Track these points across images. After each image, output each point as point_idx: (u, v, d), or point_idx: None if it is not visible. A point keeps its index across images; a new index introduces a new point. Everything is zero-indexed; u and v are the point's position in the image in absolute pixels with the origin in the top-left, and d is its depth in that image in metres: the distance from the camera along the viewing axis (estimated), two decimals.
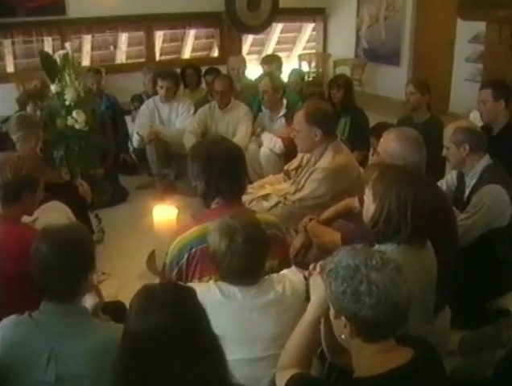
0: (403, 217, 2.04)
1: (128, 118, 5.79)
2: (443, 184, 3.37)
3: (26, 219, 3.20)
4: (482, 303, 3.03)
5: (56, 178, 4.04)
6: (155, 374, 1.41)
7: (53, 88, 3.88)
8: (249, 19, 8.09)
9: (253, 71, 7.29)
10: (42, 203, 3.47)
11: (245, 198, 3.33)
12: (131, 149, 5.62)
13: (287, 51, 10.62)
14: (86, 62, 8.64)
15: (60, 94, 3.91)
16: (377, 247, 2.10)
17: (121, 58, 9.16)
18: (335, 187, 3.10)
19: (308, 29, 10.07)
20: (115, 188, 4.90)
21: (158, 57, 9.34)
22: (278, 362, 1.79)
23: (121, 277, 3.62)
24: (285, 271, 2.17)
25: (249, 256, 1.94)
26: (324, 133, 3.11)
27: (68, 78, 3.91)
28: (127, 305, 3.16)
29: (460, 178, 3.28)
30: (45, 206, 3.40)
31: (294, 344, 1.77)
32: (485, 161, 3.11)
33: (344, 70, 8.64)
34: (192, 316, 1.48)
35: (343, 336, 1.56)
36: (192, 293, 1.54)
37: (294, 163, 3.52)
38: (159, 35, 9.31)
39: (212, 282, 2.07)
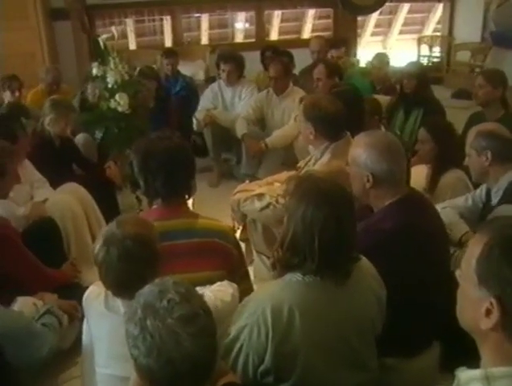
0: (310, 245, 1.66)
1: None
2: (468, 198, 2.87)
3: (37, 199, 3.36)
4: None
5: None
6: None
7: (95, 70, 3.94)
8: None
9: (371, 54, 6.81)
10: (68, 181, 3.62)
11: (239, 195, 3.15)
12: None
13: (415, 33, 9.90)
14: (205, 40, 8.83)
15: (103, 77, 3.97)
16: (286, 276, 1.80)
17: (238, 37, 9.22)
18: None
19: (439, 9, 9.27)
20: None
21: (277, 36, 9.26)
22: None
23: None
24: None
25: (122, 272, 1.76)
26: (317, 133, 2.79)
27: (112, 61, 3.95)
28: None
29: (489, 194, 2.79)
30: (61, 187, 3.53)
31: None
32: None
33: (465, 55, 7.86)
34: None
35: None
36: None
37: (307, 159, 3.18)
38: (277, 14, 9.19)
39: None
